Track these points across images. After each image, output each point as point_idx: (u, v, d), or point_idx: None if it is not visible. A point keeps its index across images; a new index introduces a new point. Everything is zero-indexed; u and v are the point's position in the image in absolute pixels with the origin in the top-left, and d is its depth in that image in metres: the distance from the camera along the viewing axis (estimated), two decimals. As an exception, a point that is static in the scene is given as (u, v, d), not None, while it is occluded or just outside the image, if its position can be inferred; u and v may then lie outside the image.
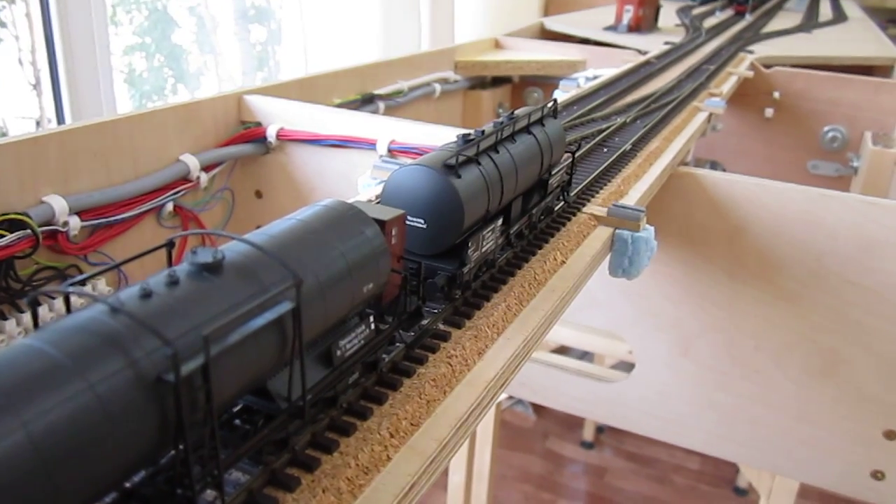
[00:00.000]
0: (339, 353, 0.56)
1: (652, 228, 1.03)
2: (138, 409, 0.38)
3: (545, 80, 2.73)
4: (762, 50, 2.89)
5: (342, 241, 0.56)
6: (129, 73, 2.64)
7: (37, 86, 2.09)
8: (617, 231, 1.01)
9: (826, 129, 2.67)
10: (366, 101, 1.98)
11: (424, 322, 0.68)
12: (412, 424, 0.56)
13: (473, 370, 0.66)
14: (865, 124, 2.56)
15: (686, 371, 1.55)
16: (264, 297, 0.46)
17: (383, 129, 1.46)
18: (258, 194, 1.65)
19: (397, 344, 0.65)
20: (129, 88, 2.64)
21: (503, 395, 2.17)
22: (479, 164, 0.74)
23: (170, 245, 0.50)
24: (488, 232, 0.78)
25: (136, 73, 2.68)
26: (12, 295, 1.16)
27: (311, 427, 0.54)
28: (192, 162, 1.46)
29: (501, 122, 0.82)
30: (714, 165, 2.79)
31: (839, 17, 4.44)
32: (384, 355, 0.63)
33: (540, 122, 0.90)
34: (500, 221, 0.81)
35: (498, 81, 2.71)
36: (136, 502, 0.43)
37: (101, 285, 1.29)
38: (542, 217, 0.94)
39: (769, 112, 2.69)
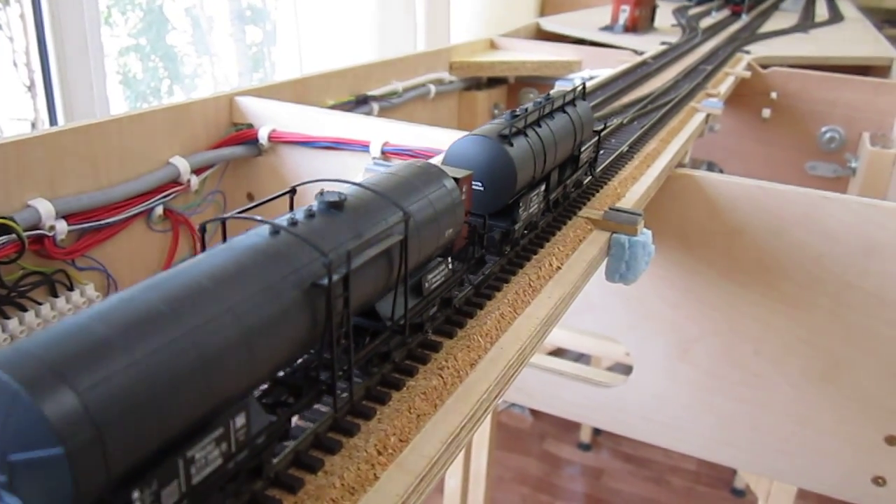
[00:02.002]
0: (426, 285, 0.68)
1: (649, 232, 1.01)
2: (299, 306, 0.49)
3: (541, 81, 2.71)
4: (759, 50, 2.88)
5: (429, 190, 0.67)
6: (125, 75, 2.62)
7: (31, 88, 2.06)
8: (614, 235, 0.99)
9: (824, 129, 2.66)
10: (360, 103, 1.96)
11: (487, 268, 0.80)
12: (401, 440, 0.54)
13: (465, 382, 0.63)
14: (863, 125, 2.54)
15: (684, 375, 1.53)
16: (381, 227, 0.59)
17: (377, 130, 1.44)
18: (250, 197, 1.63)
19: (465, 286, 0.76)
20: (125, 90, 2.62)
21: (500, 399, 2.15)
22: (526, 135, 0.86)
23: (292, 192, 0.61)
24: (534, 195, 0.90)
25: (132, 74, 2.66)
26: (-2, 300, 1.14)
27: (408, 344, 0.65)
28: (183, 164, 1.44)
29: (541, 102, 0.93)
30: (711, 166, 2.77)
31: (835, 17, 4.44)
32: (457, 293, 0.74)
33: (572, 102, 1.01)
34: (542, 188, 0.93)
35: (493, 82, 2.69)
36: (285, 388, 0.55)
37: (90, 290, 1.27)
38: (574, 189, 1.05)
39: (766, 112, 2.67)
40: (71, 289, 1.25)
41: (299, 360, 0.55)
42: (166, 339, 0.40)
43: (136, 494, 0.39)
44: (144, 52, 2.70)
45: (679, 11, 4.15)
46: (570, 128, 0.97)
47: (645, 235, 1.00)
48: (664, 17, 3.77)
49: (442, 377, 0.62)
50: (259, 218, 0.52)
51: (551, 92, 0.98)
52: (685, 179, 1.40)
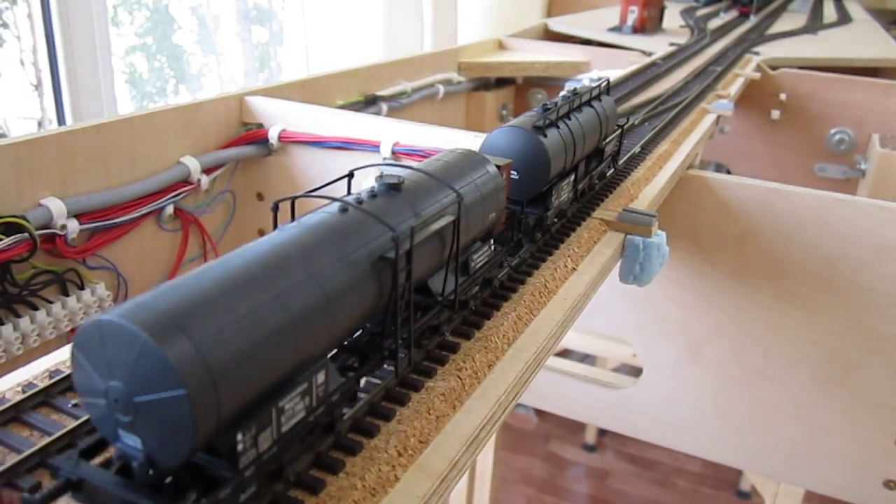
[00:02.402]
0: (472, 264, 0.72)
1: (664, 234, 1.01)
2: (369, 276, 0.55)
3: (549, 82, 2.71)
4: (768, 51, 2.87)
5: (475, 175, 0.72)
6: (131, 74, 2.62)
7: (38, 86, 2.07)
8: (628, 237, 0.99)
9: (833, 131, 2.65)
10: (368, 103, 1.95)
11: (523, 252, 0.85)
12: (421, 442, 0.54)
13: (484, 383, 0.63)
14: (873, 126, 2.54)
15: (694, 377, 1.53)
16: (437, 208, 0.64)
17: (387, 130, 1.44)
18: (260, 197, 1.63)
19: (505, 267, 0.80)
20: (131, 89, 2.62)
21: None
22: (558, 127, 0.91)
23: (350, 175, 0.66)
24: (564, 184, 0.94)
25: (138, 73, 2.66)
26: (9, 300, 1.14)
27: (458, 318, 0.70)
28: (193, 164, 1.44)
29: (569, 97, 0.98)
30: (719, 168, 2.76)
31: (844, 18, 4.42)
32: (497, 273, 0.79)
33: (598, 97, 1.06)
34: (572, 177, 0.97)
35: (502, 83, 2.69)
36: (352, 353, 0.60)
37: (101, 289, 1.27)
38: (598, 180, 1.10)
39: (775, 114, 2.66)
40: (82, 288, 1.25)
41: (359, 331, 0.62)
42: (262, 300, 0.46)
43: (239, 437, 0.45)
44: (150, 51, 2.70)
45: (687, 12, 4.14)
46: (597, 121, 1.02)
47: (659, 237, 1.00)
48: (672, 18, 3.76)
49: (460, 378, 0.61)
50: (331, 196, 0.57)
51: (578, 88, 1.03)
52: (697, 181, 1.40)
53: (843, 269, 1.36)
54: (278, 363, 0.47)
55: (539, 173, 0.86)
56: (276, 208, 0.57)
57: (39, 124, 2.12)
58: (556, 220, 0.94)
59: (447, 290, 0.67)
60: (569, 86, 2.06)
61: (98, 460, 0.47)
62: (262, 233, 1.63)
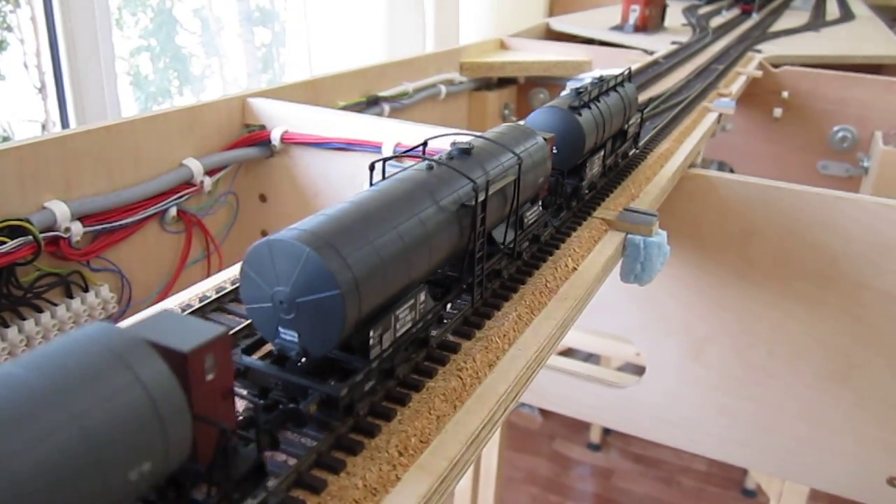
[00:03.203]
0: (525, 220, 0.83)
1: (664, 233, 1.01)
2: (454, 219, 0.67)
3: (551, 81, 2.71)
4: (770, 49, 2.87)
5: (528, 145, 0.83)
6: (135, 76, 2.63)
7: (42, 89, 2.07)
8: (629, 236, 0.99)
9: (836, 128, 2.65)
10: (370, 104, 1.96)
11: (562, 215, 0.97)
12: (421, 441, 0.54)
13: (485, 383, 0.63)
14: (876, 124, 2.53)
15: (697, 376, 1.53)
16: (501, 168, 0.75)
17: (388, 131, 1.44)
18: (262, 198, 1.64)
19: (548, 227, 0.92)
20: (135, 91, 2.63)
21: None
22: (590, 108, 1.02)
23: (424, 144, 0.77)
24: (596, 158, 1.06)
25: (142, 75, 2.67)
26: (14, 302, 1.15)
27: (514, 266, 0.82)
28: (196, 166, 1.44)
29: (597, 82, 1.10)
30: (721, 166, 2.76)
31: (846, 15, 4.41)
32: (542, 231, 0.90)
33: (622, 83, 1.18)
34: (602, 153, 1.09)
35: (504, 82, 2.69)
36: (436, 287, 0.71)
37: (105, 291, 1.27)
38: (622, 159, 1.21)
39: (778, 112, 2.66)
40: (86, 290, 1.26)
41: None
42: (386, 231, 0.59)
43: (372, 333, 0.58)
44: (155, 53, 2.71)
45: (689, 10, 4.13)
46: (621, 104, 1.14)
47: (660, 236, 1.00)
48: (674, 16, 3.76)
49: (461, 378, 0.62)
50: (421, 155, 0.74)
51: (604, 75, 1.16)
52: (698, 179, 1.40)
53: (845, 267, 1.36)
54: (396, 280, 0.60)
55: (575, 148, 0.97)
56: (372, 167, 0.71)
57: (43, 127, 2.12)
58: (587, 192, 1.05)
59: (507, 240, 0.79)
60: (570, 85, 2.07)
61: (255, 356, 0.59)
62: (265, 233, 1.63)
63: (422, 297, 0.64)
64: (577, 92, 1.03)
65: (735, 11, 4.34)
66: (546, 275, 0.82)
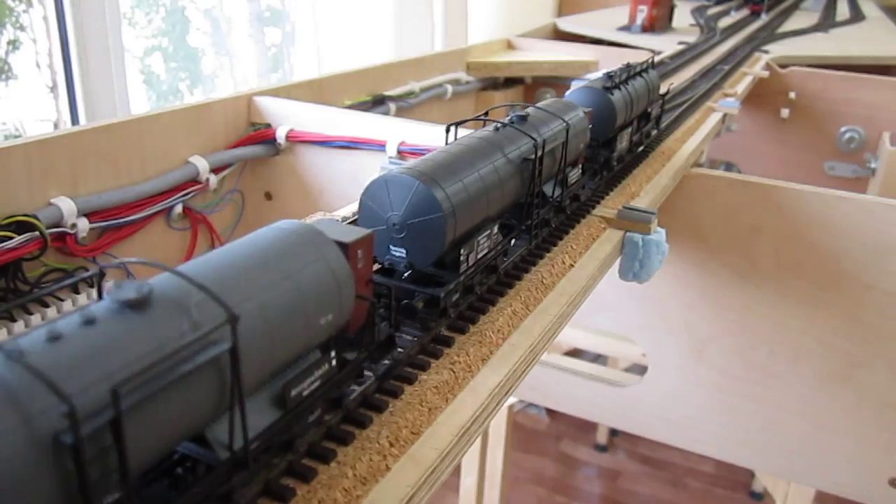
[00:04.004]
0: (569, 179, 0.99)
1: (663, 231, 1.01)
2: (518, 171, 0.76)
3: (558, 81, 2.71)
4: (778, 50, 2.86)
5: (571, 115, 0.96)
6: (148, 75, 2.65)
7: (54, 88, 2.09)
8: (627, 234, 0.99)
9: (843, 129, 2.64)
10: (377, 103, 1.97)
11: (598, 178, 1.10)
12: (413, 433, 0.55)
13: (477, 377, 0.64)
14: (883, 125, 2.52)
15: (699, 375, 1.53)
16: (552, 132, 0.90)
17: (393, 130, 1.45)
18: (268, 196, 1.65)
19: (587, 189, 1.06)
20: (148, 89, 2.65)
21: (514, 399, 2.15)
22: (620, 89, 1.16)
23: (485, 113, 0.89)
24: (625, 134, 1.20)
25: (155, 74, 2.69)
26: (20, 297, 1.16)
27: (561, 217, 0.91)
28: (202, 163, 1.45)
29: (625, 68, 1.23)
30: (729, 166, 2.76)
31: (857, 16, 4.39)
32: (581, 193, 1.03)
33: (646, 70, 1.32)
34: (629, 129, 1.22)
35: (510, 82, 2.69)
36: (501, 229, 0.77)
37: (110, 287, 1.28)
38: (645, 138, 1.34)
39: (785, 112, 2.66)
40: (92, 285, 1.27)
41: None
42: (470, 173, 0.74)
43: (462, 251, 0.72)
44: (167, 52, 2.73)
45: (698, 11, 4.13)
46: (646, 88, 1.28)
47: (658, 234, 1.00)
48: (682, 16, 3.75)
49: (454, 372, 0.62)
50: (488, 119, 0.86)
51: (630, 62, 1.29)
52: (701, 179, 1.40)
53: (847, 267, 1.36)
54: (478, 213, 0.74)
55: (608, 122, 1.11)
56: (448, 129, 0.84)
57: (55, 126, 2.14)
58: (615, 164, 1.18)
59: (555, 195, 0.91)
60: (575, 84, 2.07)
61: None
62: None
63: (494, 230, 0.79)
64: (609, 75, 1.17)
65: (744, 12, 4.33)
66: (542, 271, 0.82)
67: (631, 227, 0.99)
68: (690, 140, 1.45)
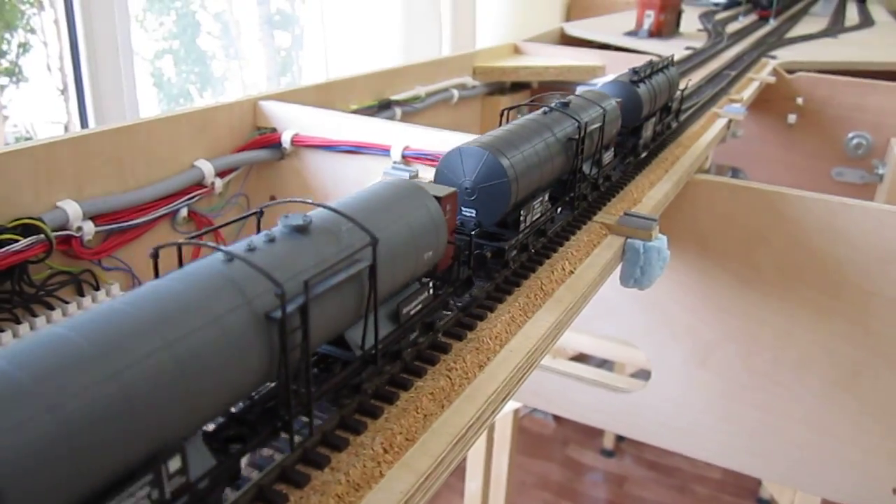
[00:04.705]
0: (603, 161, 1.10)
1: (665, 238, 1.01)
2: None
3: (564, 86, 2.71)
4: (786, 55, 2.85)
5: (606, 104, 1.07)
6: (158, 78, 2.66)
7: (64, 91, 2.10)
8: (628, 240, 0.99)
9: (851, 135, 2.63)
10: (382, 107, 1.97)
11: (626, 162, 1.23)
12: (407, 439, 0.55)
13: (473, 383, 0.64)
14: (891, 131, 2.51)
15: (703, 382, 1.52)
16: (590, 119, 1.00)
17: (398, 135, 1.45)
18: (273, 200, 1.65)
19: (617, 170, 1.18)
20: (158, 92, 2.66)
21: (519, 403, 2.15)
22: (645, 83, 1.28)
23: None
24: (649, 124, 1.31)
25: (165, 77, 2.71)
26: (26, 299, 1.17)
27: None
28: (207, 167, 1.46)
29: (648, 64, 1.35)
30: (735, 172, 2.75)
31: (866, 21, 4.37)
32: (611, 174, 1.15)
33: (666, 67, 1.44)
34: (653, 120, 1.35)
35: (517, 87, 2.69)
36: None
37: (116, 290, 1.29)
38: (666, 129, 1.46)
39: (792, 118, 2.64)
40: (97, 288, 1.27)
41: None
42: (527, 147, 0.86)
43: (522, 213, 0.86)
44: (178, 55, 2.75)
45: (705, 16, 4.11)
46: (667, 83, 1.40)
47: (660, 241, 1.00)
48: (690, 21, 3.74)
49: (450, 378, 0.62)
50: (535, 103, 0.99)
51: (652, 59, 1.40)
52: (704, 185, 1.40)
53: (851, 274, 1.35)
54: (533, 182, 0.85)
55: (635, 112, 1.23)
56: (502, 114, 0.99)
57: (66, 129, 2.15)
58: (642, 150, 1.30)
59: (592, 173, 1.05)
60: (580, 90, 2.07)
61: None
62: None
63: (545, 197, 0.91)
64: (634, 70, 1.30)
65: (752, 17, 4.32)
66: (542, 277, 0.82)
67: (632, 233, 0.99)
68: (694, 146, 1.45)
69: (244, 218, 0.66)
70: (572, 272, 0.87)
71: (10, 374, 0.37)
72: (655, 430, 1.61)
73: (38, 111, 2.15)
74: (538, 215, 0.89)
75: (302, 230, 0.55)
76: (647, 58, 2.69)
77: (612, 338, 1.84)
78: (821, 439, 1.45)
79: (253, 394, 0.52)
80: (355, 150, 1.51)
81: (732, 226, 1.41)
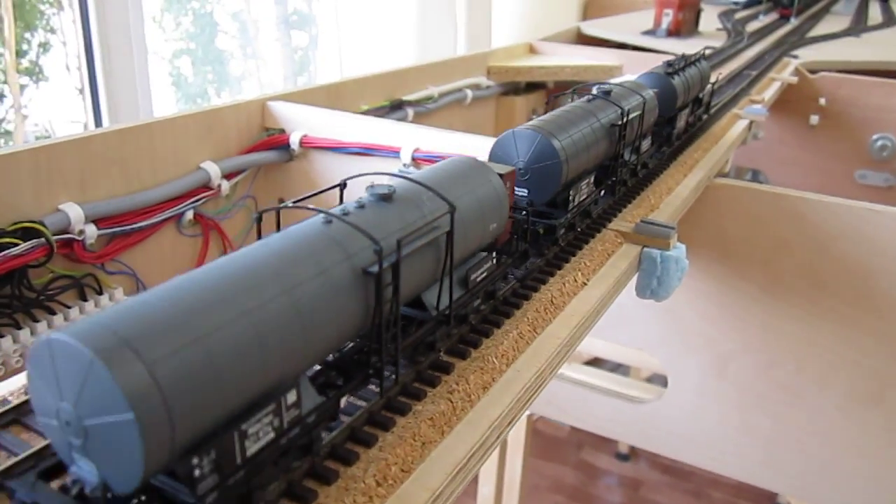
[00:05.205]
0: (641, 148, 1.14)
1: (683, 247, 0.97)
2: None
3: (581, 86, 2.66)
4: (807, 55, 2.78)
5: (645, 94, 1.11)
6: (176, 77, 2.66)
7: (83, 90, 2.10)
8: (645, 249, 0.95)
9: (875, 137, 2.56)
10: (394, 108, 1.94)
11: (662, 150, 1.29)
12: (403, 470, 0.51)
13: (476, 407, 0.60)
14: (917, 133, 2.45)
15: (721, 393, 1.48)
16: (636, 104, 1.03)
17: (408, 136, 1.42)
18: (281, 202, 1.62)
19: (654, 158, 1.23)
20: (176, 91, 2.65)
21: (528, 411, 2.11)
22: (679, 75, 1.34)
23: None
24: (683, 114, 1.37)
25: (183, 76, 2.70)
26: (27, 304, 1.14)
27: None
28: (214, 169, 1.43)
29: (682, 58, 1.42)
30: (756, 175, 2.69)
31: (890, 20, 4.29)
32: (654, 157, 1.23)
33: (698, 60, 1.50)
34: (686, 111, 1.40)
35: (532, 87, 2.65)
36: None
37: (119, 294, 1.27)
38: (696, 121, 1.51)
39: (814, 119, 2.58)
40: (100, 292, 1.25)
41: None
42: (576, 132, 0.92)
43: (571, 192, 0.91)
44: (196, 55, 2.74)
45: (725, 15, 4.05)
46: (699, 77, 1.45)
47: (678, 250, 0.96)
48: (710, 20, 3.68)
49: (451, 401, 0.59)
50: (581, 88, 1.05)
51: (685, 53, 1.46)
52: (724, 189, 1.35)
53: (879, 283, 1.30)
54: (582, 163, 0.91)
55: (670, 102, 1.28)
56: (547, 102, 0.92)
57: (85, 127, 2.15)
58: (679, 137, 1.35)
59: (630, 160, 1.09)
60: (595, 89, 2.03)
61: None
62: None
63: (591, 180, 0.95)
64: (668, 63, 1.37)
65: (773, 16, 4.25)
66: (553, 290, 0.78)
67: (649, 242, 0.95)
68: (715, 149, 1.41)
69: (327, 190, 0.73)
70: (585, 284, 0.83)
71: (164, 309, 0.42)
72: (671, 442, 1.56)
73: (58, 110, 2.15)
74: (584, 196, 0.92)
75: (387, 198, 0.61)
76: (665, 57, 2.64)
77: (626, 345, 1.79)
78: (845, 455, 1.40)
79: (341, 347, 0.58)
80: (365, 151, 1.48)
81: (753, 232, 1.36)
